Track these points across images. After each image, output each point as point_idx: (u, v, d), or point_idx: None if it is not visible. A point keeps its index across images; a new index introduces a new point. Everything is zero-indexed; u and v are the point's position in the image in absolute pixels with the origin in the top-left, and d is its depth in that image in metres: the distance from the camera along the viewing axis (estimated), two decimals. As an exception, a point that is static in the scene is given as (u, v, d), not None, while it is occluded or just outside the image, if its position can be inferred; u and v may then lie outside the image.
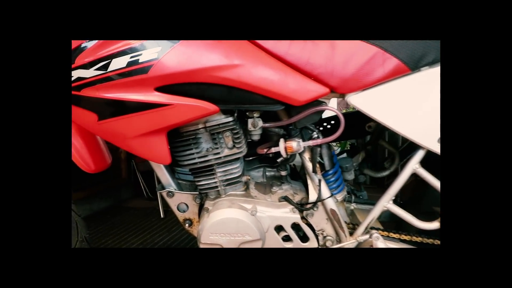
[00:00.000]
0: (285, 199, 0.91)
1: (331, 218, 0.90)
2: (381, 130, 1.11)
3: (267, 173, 1.03)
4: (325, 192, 0.89)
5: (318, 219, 0.91)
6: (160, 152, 0.79)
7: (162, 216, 2.41)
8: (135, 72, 0.69)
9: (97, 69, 0.68)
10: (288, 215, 0.90)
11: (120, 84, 0.70)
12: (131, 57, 0.69)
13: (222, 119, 0.84)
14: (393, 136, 1.24)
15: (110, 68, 0.69)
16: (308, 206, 0.89)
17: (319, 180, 0.87)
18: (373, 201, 1.12)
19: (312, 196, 0.89)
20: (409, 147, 1.38)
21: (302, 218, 0.91)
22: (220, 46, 0.74)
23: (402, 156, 1.17)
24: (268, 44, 0.78)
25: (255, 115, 0.84)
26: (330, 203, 0.89)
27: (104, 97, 0.70)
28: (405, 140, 1.43)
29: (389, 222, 1.14)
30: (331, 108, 0.85)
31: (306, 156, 0.89)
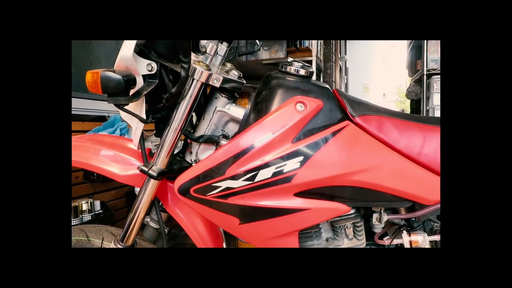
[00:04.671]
0: None
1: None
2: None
3: (372, 251, 1.02)
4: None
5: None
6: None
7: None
8: (280, 182, 0.72)
9: (245, 180, 0.72)
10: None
11: (264, 193, 0.73)
12: (276, 168, 0.71)
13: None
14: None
15: (257, 178, 0.72)
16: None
17: (445, 276, 0.84)
18: None
19: None
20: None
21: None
22: (356, 151, 0.75)
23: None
24: (400, 145, 0.78)
25: (382, 210, 0.84)
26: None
27: (248, 204, 0.73)
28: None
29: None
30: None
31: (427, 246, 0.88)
